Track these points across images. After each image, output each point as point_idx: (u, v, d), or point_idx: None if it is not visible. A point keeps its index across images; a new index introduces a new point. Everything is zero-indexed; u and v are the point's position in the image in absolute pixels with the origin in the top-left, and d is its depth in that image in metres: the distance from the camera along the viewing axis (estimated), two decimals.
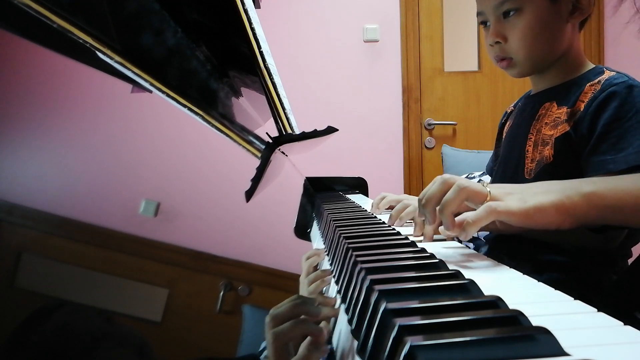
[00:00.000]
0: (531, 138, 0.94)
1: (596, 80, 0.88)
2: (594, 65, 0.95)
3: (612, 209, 0.58)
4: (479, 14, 0.96)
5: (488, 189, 0.57)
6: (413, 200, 0.83)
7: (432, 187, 0.60)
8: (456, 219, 0.56)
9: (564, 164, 0.87)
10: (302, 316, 0.47)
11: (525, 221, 0.55)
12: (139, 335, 2.35)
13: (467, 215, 0.55)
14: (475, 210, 0.56)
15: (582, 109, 0.86)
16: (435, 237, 0.68)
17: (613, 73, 0.89)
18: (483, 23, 0.97)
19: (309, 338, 0.45)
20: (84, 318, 2.28)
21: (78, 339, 2.15)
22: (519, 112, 1.05)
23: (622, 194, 0.58)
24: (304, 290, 0.77)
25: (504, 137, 1.10)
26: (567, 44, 0.93)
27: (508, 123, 1.10)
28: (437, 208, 0.57)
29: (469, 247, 0.55)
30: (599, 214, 0.58)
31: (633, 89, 0.83)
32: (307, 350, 0.45)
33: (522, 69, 0.95)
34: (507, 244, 0.91)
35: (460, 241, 0.65)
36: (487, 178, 1.22)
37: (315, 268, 0.82)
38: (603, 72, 0.90)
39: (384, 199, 0.96)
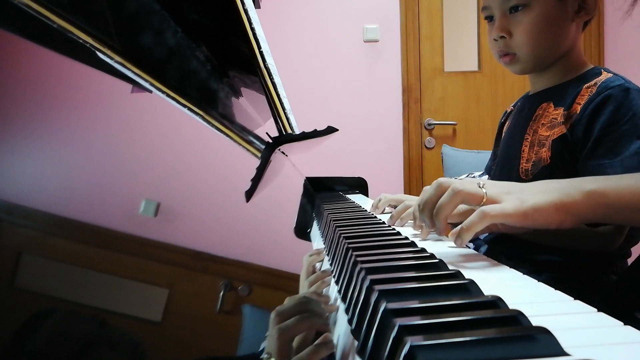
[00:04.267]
0: (527, 138, 0.94)
1: (592, 82, 0.88)
2: (592, 66, 0.95)
3: (614, 207, 0.57)
4: (484, 8, 0.96)
5: (484, 190, 0.56)
6: (413, 201, 0.83)
7: (428, 191, 0.59)
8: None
9: (561, 166, 0.87)
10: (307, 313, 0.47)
11: (524, 221, 0.54)
12: (134, 336, 2.35)
13: (463, 222, 0.54)
14: (474, 210, 0.55)
15: (578, 112, 0.86)
16: (437, 237, 0.68)
17: (610, 75, 0.89)
18: (488, 18, 0.96)
19: (319, 338, 0.45)
20: (76, 323, 2.27)
21: (70, 345, 2.14)
22: (517, 112, 1.05)
23: (624, 192, 0.57)
24: (304, 291, 0.77)
25: (502, 137, 1.10)
26: (570, 43, 0.93)
27: (507, 123, 1.10)
28: (433, 213, 0.57)
29: (469, 247, 0.54)
30: (601, 212, 0.57)
31: (629, 92, 0.83)
32: (315, 347, 0.45)
33: (525, 66, 0.95)
34: (506, 245, 0.91)
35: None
36: (486, 178, 1.22)
37: (314, 268, 0.82)
38: (600, 74, 0.90)
39: (382, 200, 0.97)
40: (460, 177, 1.90)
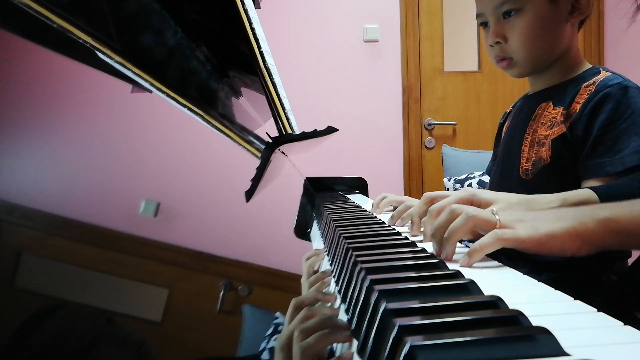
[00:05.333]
0: (527, 138, 0.94)
1: (591, 81, 0.88)
2: (591, 65, 0.95)
3: (628, 234, 0.56)
4: (478, 15, 0.96)
5: (497, 217, 0.55)
6: (415, 202, 0.83)
7: (441, 217, 0.58)
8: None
9: (561, 165, 0.87)
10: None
11: (538, 248, 0.53)
12: (139, 335, 2.35)
13: (474, 243, 0.53)
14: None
15: (577, 111, 0.86)
16: None
17: (608, 74, 0.89)
18: (483, 24, 0.97)
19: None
20: (82, 319, 2.28)
21: (75, 341, 2.15)
22: (517, 112, 1.06)
23: (637, 218, 0.56)
24: (306, 292, 0.77)
25: (502, 137, 1.10)
26: (566, 43, 0.93)
27: (507, 123, 1.10)
28: (444, 236, 0.56)
29: (469, 247, 0.54)
30: (615, 239, 0.56)
31: (628, 90, 0.83)
32: None
33: (523, 69, 0.95)
34: None
35: (460, 241, 0.65)
36: (486, 178, 1.22)
37: (315, 269, 0.82)
38: (599, 73, 0.90)
39: (385, 199, 0.97)
40: (460, 178, 1.90)
